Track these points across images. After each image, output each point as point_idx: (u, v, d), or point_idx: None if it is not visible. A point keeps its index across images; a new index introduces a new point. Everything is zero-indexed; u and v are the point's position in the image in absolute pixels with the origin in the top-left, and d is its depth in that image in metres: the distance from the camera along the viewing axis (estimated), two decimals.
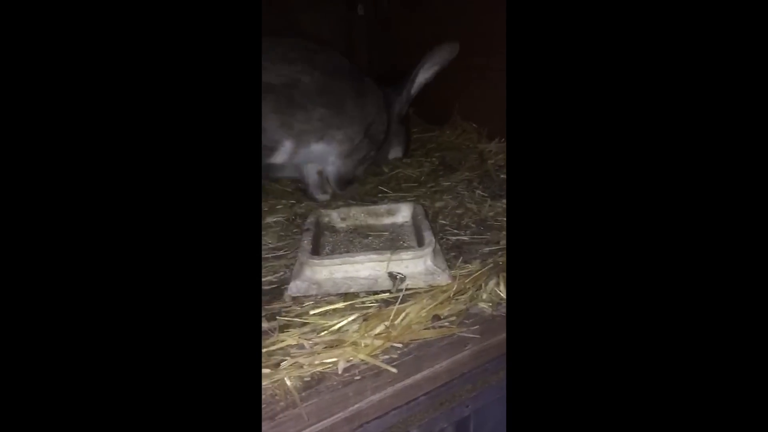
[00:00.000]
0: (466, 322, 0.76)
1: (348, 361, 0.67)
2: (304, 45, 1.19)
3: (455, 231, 1.05)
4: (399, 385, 0.69)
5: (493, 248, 0.96)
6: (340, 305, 0.77)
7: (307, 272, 0.81)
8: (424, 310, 0.76)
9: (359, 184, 1.33)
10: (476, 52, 1.50)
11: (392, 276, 0.80)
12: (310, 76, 1.12)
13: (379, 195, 1.26)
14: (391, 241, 0.95)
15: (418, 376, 0.71)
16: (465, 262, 0.90)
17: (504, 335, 0.79)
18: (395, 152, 1.44)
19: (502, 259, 0.90)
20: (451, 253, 0.95)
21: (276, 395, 0.61)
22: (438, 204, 1.18)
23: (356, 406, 0.65)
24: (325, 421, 0.60)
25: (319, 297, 0.80)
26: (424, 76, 1.29)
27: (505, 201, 1.12)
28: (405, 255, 0.80)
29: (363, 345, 0.69)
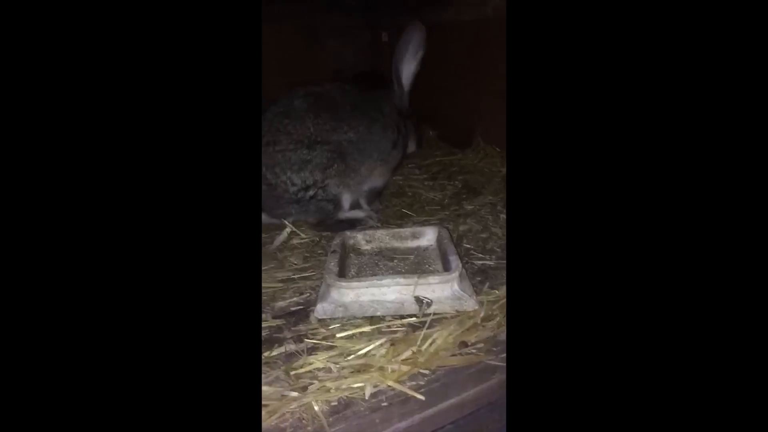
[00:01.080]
0: (494, 350, 0.75)
1: (375, 387, 0.66)
2: (316, 91, 1.24)
3: (480, 255, 1.04)
4: (426, 413, 0.67)
5: None
6: (367, 329, 0.76)
7: (334, 294, 0.81)
8: (451, 336, 0.75)
9: (384, 207, 1.34)
10: (500, 77, 1.52)
11: (419, 300, 0.80)
12: (354, 132, 1.21)
13: (404, 218, 1.26)
14: (416, 265, 0.95)
15: (446, 404, 0.70)
16: (491, 287, 0.89)
17: None
18: (410, 147, 1.49)
19: None
20: (477, 278, 0.94)
21: (303, 419, 0.61)
22: (462, 227, 1.17)
23: None
24: None
25: (345, 320, 0.80)
26: (408, 67, 1.35)
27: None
28: (432, 279, 0.79)
29: (390, 370, 0.68)
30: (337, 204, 1.20)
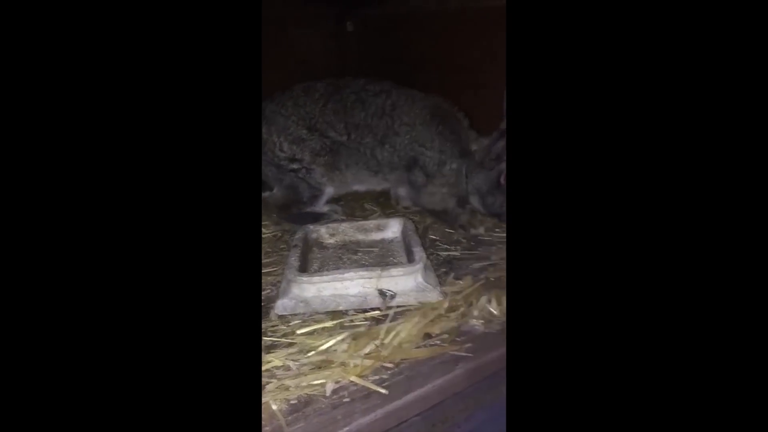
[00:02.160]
0: (458, 340, 0.75)
1: (336, 383, 0.64)
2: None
3: (446, 246, 1.03)
4: (390, 407, 0.66)
5: (484, 264, 0.95)
6: (329, 324, 0.74)
7: (295, 290, 0.79)
8: (415, 328, 0.74)
9: (350, 200, 1.32)
10: (470, 68, 1.52)
11: (382, 293, 0.78)
12: (347, 137, 1.17)
13: (368, 211, 1.25)
14: (381, 257, 0.94)
15: (410, 396, 0.69)
16: (456, 278, 0.88)
17: (497, 353, 0.77)
18: (473, 201, 1.28)
19: (493, 275, 0.89)
20: (442, 269, 0.93)
21: (261, 419, 0.59)
22: (429, 220, 1.17)
23: (345, 429, 0.63)
24: None
25: (306, 315, 0.78)
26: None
27: (496, 217, 1.11)
28: (395, 271, 0.78)
29: (352, 365, 0.66)
30: (316, 193, 1.17)
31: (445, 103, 1.19)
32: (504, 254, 0.98)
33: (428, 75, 1.68)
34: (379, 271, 0.77)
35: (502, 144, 1.03)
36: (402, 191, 1.23)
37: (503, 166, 1.04)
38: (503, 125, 1.04)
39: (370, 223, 1.03)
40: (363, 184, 1.23)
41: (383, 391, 0.64)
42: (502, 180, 1.05)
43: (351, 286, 0.78)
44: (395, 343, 0.71)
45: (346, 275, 0.78)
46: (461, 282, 0.86)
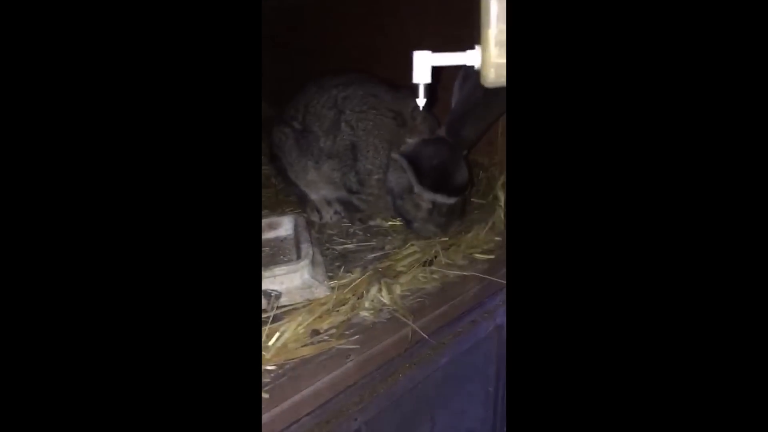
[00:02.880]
0: (347, 333, 0.74)
1: None
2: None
3: (342, 240, 1.03)
4: (275, 411, 0.65)
5: (378, 254, 0.96)
6: None
7: None
8: (301, 327, 0.72)
9: None
10: (354, 63, 1.51)
11: (266, 294, 0.76)
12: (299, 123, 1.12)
13: (265, 210, 1.21)
14: (271, 257, 0.91)
15: (297, 397, 0.67)
16: (347, 271, 0.88)
17: (388, 341, 0.78)
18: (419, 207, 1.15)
19: (383, 264, 0.90)
20: (336, 263, 0.93)
21: None
22: None
23: None
24: None
25: None
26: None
27: (406, 223, 1.06)
28: (279, 270, 0.76)
29: None
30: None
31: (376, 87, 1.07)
32: (396, 243, 1.00)
33: (330, 65, 1.66)
34: (261, 272, 0.75)
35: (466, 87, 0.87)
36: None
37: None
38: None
39: (262, 222, 0.99)
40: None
41: (264, 395, 0.62)
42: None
43: None
44: (279, 344, 0.69)
45: None
46: (352, 274, 0.86)
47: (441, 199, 0.95)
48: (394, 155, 0.97)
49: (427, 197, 0.95)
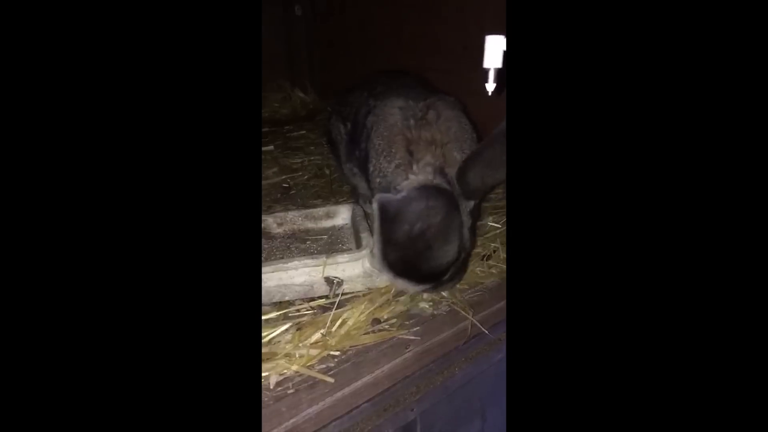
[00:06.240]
0: (407, 323, 0.74)
1: (280, 375, 0.63)
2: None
3: None
4: (338, 395, 0.66)
5: None
6: (272, 315, 0.72)
7: None
8: (363, 315, 0.73)
9: (301, 189, 1.29)
10: (407, 54, 1.50)
11: (329, 281, 0.77)
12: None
13: (319, 199, 1.22)
14: (330, 245, 0.92)
15: (359, 383, 0.68)
16: None
17: (446, 334, 0.78)
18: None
19: None
20: None
21: None
22: None
23: (291, 421, 0.62)
24: None
25: None
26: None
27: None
28: (341, 258, 0.77)
29: (297, 356, 0.65)
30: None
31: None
32: None
33: (380, 56, 1.66)
34: (324, 259, 0.76)
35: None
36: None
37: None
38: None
39: (319, 210, 1.00)
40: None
41: (329, 379, 0.63)
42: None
43: (296, 276, 0.76)
44: (342, 330, 0.70)
45: (291, 264, 0.76)
46: None
47: (403, 285, 0.74)
48: (374, 204, 0.73)
49: (387, 277, 0.73)
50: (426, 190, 0.74)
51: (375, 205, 0.72)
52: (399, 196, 0.75)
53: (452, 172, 0.77)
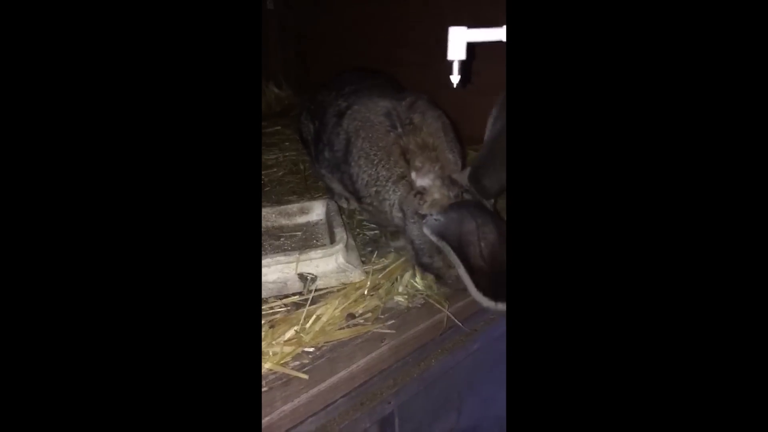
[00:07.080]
0: (382, 317, 0.75)
1: None
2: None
3: (373, 226, 1.03)
4: (313, 391, 0.65)
5: None
6: None
7: None
8: (337, 310, 0.73)
9: (276, 185, 1.28)
10: (381, 48, 1.50)
11: (302, 277, 0.76)
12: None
13: (294, 195, 1.21)
14: (304, 241, 0.92)
15: (334, 378, 0.68)
16: (381, 256, 0.88)
17: (422, 327, 0.78)
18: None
19: None
20: (368, 249, 0.93)
21: None
22: None
23: (267, 419, 0.61)
24: None
25: None
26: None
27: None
28: (314, 254, 0.76)
29: (271, 354, 0.64)
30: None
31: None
32: None
33: (349, 50, 1.65)
34: (297, 255, 0.75)
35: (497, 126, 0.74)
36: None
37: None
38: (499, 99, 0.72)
39: (293, 207, 1.00)
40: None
41: (303, 376, 0.63)
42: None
43: (269, 273, 0.75)
44: (317, 326, 0.70)
45: (263, 262, 0.75)
46: (385, 260, 0.86)
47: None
48: (433, 237, 0.74)
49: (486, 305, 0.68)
50: (462, 208, 0.76)
51: (433, 237, 0.73)
52: (443, 219, 0.76)
53: (451, 173, 0.80)
